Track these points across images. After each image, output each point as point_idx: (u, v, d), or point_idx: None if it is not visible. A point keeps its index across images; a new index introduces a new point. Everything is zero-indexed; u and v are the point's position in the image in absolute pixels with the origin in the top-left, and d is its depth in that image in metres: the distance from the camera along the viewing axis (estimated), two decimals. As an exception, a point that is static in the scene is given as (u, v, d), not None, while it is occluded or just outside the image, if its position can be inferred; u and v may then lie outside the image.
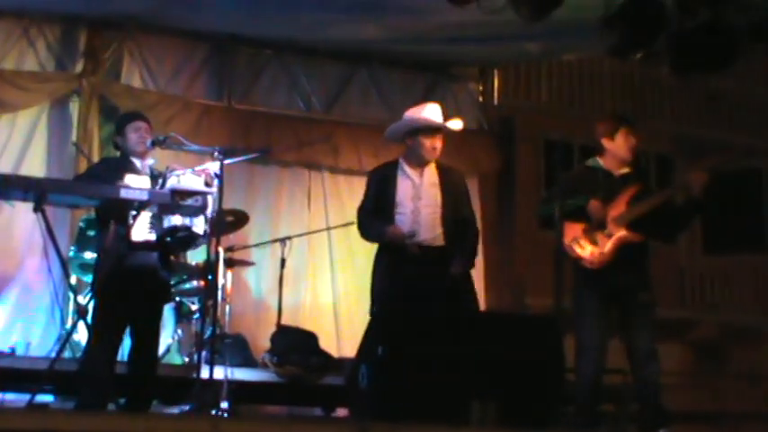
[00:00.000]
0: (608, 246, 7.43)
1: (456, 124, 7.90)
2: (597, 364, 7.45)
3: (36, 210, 6.72)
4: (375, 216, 7.69)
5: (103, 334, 7.08)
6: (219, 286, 9.37)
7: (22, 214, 9.08)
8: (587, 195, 7.53)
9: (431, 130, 7.72)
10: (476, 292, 7.85)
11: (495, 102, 12.97)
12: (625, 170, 7.65)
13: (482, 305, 11.82)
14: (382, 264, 7.63)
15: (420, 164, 7.74)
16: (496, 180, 12.85)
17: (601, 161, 7.67)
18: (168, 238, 7.33)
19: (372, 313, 7.55)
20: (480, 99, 12.92)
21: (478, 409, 6.58)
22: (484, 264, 12.15)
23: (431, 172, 7.76)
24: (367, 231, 7.83)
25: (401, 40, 11.30)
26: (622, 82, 15.90)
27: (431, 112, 7.81)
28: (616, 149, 7.62)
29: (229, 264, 9.98)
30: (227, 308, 10.00)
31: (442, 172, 7.82)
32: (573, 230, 7.58)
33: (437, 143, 7.73)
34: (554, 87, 15.85)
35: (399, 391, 6.60)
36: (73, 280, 9.16)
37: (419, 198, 7.65)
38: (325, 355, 9.70)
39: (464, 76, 12.84)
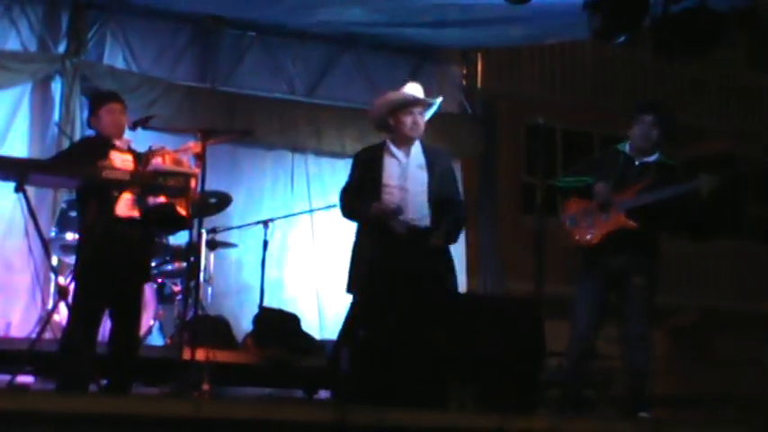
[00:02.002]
0: (601, 228, 7.48)
1: (435, 100, 7.86)
2: (584, 347, 7.51)
3: (17, 190, 6.70)
4: (360, 196, 7.64)
5: (83, 314, 7.06)
6: (202, 268, 9.37)
7: (2, 194, 9.05)
8: (599, 176, 7.60)
9: (409, 105, 7.67)
10: (456, 277, 7.79)
11: (479, 85, 12.95)
12: (648, 159, 7.67)
13: (464, 289, 11.89)
14: (367, 242, 7.55)
15: (405, 143, 7.66)
16: (479, 164, 12.85)
17: (627, 146, 7.72)
18: (152, 217, 7.33)
19: (352, 292, 7.55)
20: (464, 83, 12.90)
21: (458, 393, 6.59)
22: (466, 248, 12.18)
23: (417, 153, 7.68)
24: (350, 209, 7.72)
25: (385, 23, 11.28)
26: (605, 67, 15.95)
27: (409, 89, 7.78)
28: (632, 137, 7.69)
29: (212, 245, 9.98)
30: (209, 289, 10.01)
31: (429, 153, 7.74)
32: (574, 207, 7.66)
33: (418, 119, 7.64)
34: (537, 72, 15.89)
35: (379, 375, 6.61)
36: (54, 261, 9.13)
37: (405, 178, 7.55)
38: (307, 338, 9.71)
39: (448, 59, 12.82)
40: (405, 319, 6.81)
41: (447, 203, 7.65)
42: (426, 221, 7.53)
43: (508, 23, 10.86)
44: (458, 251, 12.07)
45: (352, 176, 7.78)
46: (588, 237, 7.55)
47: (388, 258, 7.38)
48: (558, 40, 13.22)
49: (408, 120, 7.62)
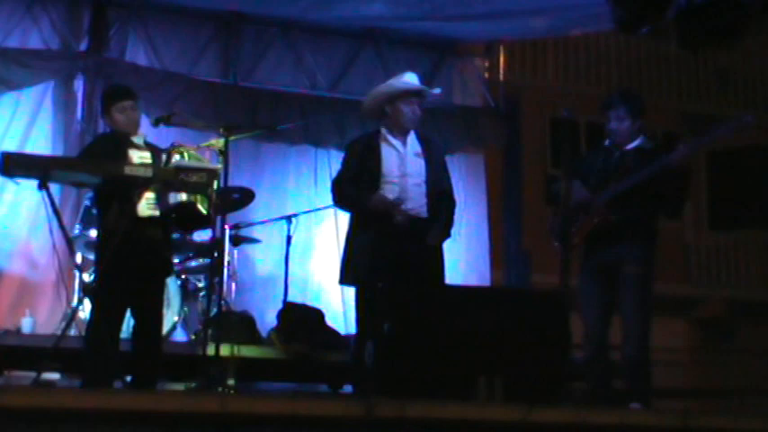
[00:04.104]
0: (585, 226, 7.48)
1: (435, 90, 7.86)
2: (594, 342, 7.48)
3: (41, 187, 6.70)
4: (357, 186, 7.53)
5: (105, 311, 7.06)
6: (225, 264, 9.36)
7: (27, 192, 9.07)
8: (582, 175, 7.57)
9: (409, 95, 7.62)
10: (444, 266, 7.71)
11: (501, 78, 12.91)
12: (628, 146, 7.59)
13: (489, 282, 11.89)
14: (364, 234, 7.46)
15: (402, 133, 7.60)
16: (503, 157, 12.81)
17: (607, 140, 7.69)
18: (173, 215, 7.31)
19: (347, 284, 7.63)
20: (486, 76, 12.87)
21: (485, 386, 6.57)
22: (490, 240, 12.18)
23: (413, 141, 7.63)
24: (347, 200, 7.64)
25: (407, 16, 11.26)
26: (629, 58, 15.88)
27: (409, 78, 7.74)
28: (607, 132, 7.64)
29: (235, 241, 9.97)
30: (234, 285, 10.00)
31: (425, 142, 7.70)
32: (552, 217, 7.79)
33: (416, 109, 7.61)
34: (560, 63, 15.83)
35: (405, 368, 6.59)
36: (78, 258, 9.13)
37: (404, 167, 7.51)
38: (332, 332, 9.70)
39: (470, 52, 12.79)
40: (426, 312, 6.80)
41: (443, 194, 7.65)
42: (425, 211, 7.52)
43: (531, 15, 10.82)
44: (482, 244, 12.12)
45: (346, 166, 7.68)
46: (575, 238, 7.56)
47: (388, 249, 7.34)
48: (582, 31, 13.16)
49: (407, 109, 7.57)
